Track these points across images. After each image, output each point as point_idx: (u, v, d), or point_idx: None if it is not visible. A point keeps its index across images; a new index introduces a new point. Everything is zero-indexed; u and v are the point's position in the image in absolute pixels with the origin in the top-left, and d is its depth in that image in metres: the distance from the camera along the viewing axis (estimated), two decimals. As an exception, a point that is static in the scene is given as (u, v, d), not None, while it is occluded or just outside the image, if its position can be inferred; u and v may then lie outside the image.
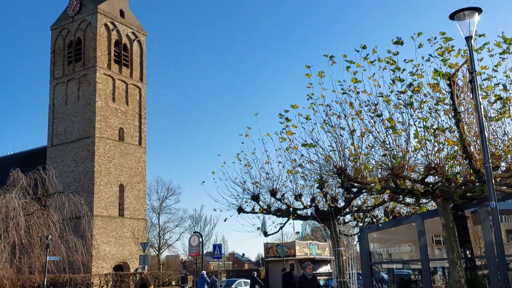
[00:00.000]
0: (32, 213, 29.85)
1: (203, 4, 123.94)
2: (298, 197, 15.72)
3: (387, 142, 10.35)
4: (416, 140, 10.24)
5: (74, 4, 48.24)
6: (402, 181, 10.28)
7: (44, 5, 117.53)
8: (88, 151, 44.25)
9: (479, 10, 8.94)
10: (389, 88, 10.49)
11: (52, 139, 47.11)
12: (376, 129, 10.57)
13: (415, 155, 10.42)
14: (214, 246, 34.32)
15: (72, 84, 47.03)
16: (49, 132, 47.46)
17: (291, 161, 13.61)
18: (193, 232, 46.72)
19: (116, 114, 46.72)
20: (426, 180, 10.41)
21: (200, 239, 37.34)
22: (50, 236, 28.18)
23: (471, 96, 9.26)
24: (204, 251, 51.01)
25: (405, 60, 10.47)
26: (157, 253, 62.34)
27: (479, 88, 9.32)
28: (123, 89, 47.97)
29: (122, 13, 49.24)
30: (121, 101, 47.53)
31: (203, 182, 16.84)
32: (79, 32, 47.45)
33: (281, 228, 17.90)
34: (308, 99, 11.60)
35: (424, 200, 13.24)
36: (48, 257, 28.05)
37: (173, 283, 47.43)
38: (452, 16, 9.06)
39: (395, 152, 10.19)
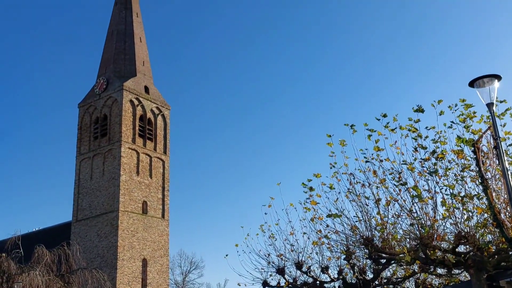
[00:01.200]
0: (55, 290, 29.54)
1: (225, 77, 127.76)
2: (324, 269, 15.27)
3: (414, 211, 10.14)
4: (444, 208, 10.02)
5: (101, 83, 50.22)
6: (432, 251, 9.96)
7: (71, 85, 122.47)
8: (112, 226, 44.28)
9: (498, 77, 8.97)
10: (413, 156, 10.44)
11: (76, 214, 47.40)
12: (401, 197, 10.41)
13: (443, 224, 10.16)
14: (239, 322, 33.15)
15: (97, 159, 47.95)
16: (74, 207, 47.84)
17: (316, 232, 13.36)
18: (218, 307, 45.36)
19: (140, 187, 47.12)
20: (457, 249, 10.07)
21: (225, 315, 36.14)
22: (72, 314, 27.71)
23: (497, 162, 9.12)
24: (229, 328, 49.23)
25: (427, 127, 10.48)
26: (180, 330, 60.44)
27: (504, 154, 9.19)
28: (147, 162, 48.66)
29: (146, 89, 50.93)
30: (145, 174, 48.06)
31: (227, 255, 16.54)
32: (105, 108, 49.01)
33: (308, 302, 17.25)
34: (331, 168, 11.59)
35: (457, 271, 12.74)
36: (70, 337, 27.42)
37: None
38: (471, 84, 9.09)
39: (423, 221, 9.95)
